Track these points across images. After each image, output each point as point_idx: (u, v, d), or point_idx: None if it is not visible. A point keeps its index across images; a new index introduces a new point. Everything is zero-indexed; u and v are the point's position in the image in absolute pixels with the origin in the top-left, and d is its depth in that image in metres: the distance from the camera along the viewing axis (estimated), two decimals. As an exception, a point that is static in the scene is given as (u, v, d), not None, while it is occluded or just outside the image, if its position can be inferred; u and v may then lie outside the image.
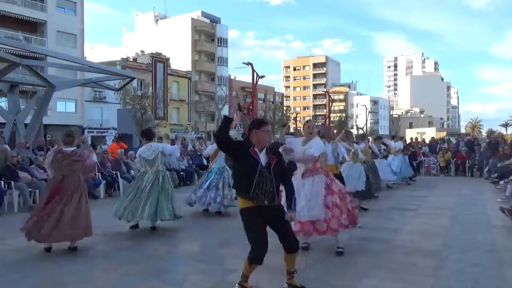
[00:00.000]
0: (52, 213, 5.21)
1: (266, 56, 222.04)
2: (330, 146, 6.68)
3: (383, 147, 11.56)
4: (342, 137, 8.05)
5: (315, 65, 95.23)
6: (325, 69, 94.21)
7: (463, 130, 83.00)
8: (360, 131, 50.14)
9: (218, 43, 56.52)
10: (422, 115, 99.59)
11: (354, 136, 9.10)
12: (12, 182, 8.72)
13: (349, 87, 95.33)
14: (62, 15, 37.10)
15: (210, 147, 9.20)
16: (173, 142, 15.52)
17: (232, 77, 60.38)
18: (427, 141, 20.14)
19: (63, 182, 5.36)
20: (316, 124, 7.72)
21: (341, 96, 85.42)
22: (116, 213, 6.54)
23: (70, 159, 5.39)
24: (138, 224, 6.75)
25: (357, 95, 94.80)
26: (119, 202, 6.64)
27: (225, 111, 54.10)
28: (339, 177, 6.51)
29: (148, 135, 6.96)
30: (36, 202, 8.97)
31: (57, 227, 5.17)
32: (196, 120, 52.15)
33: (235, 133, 16.89)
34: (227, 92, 54.28)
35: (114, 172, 11.33)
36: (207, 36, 56.45)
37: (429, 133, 37.95)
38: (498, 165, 13.10)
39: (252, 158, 3.77)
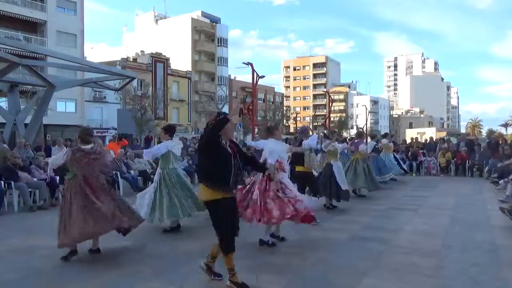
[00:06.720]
0: (80, 213, 4.98)
1: (268, 56, 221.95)
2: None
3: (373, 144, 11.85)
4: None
5: (315, 65, 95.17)
6: (325, 69, 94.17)
7: (463, 130, 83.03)
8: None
9: (218, 43, 56.50)
10: (422, 115, 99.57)
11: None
12: (12, 182, 8.72)
13: (349, 87, 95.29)
14: (62, 15, 37.08)
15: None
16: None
17: (232, 77, 60.35)
18: (426, 141, 20.08)
19: (85, 182, 5.14)
20: (317, 124, 7.68)
21: (341, 96, 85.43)
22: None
23: (90, 157, 5.17)
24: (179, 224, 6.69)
25: (357, 95, 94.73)
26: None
27: (225, 111, 54.06)
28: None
29: (173, 132, 6.67)
30: (36, 202, 8.98)
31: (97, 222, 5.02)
32: (196, 120, 52.12)
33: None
34: (227, 92, 54.26)
35: (114, 172, 11.31)
36: (207, 36, 56.44)
37: (429, 133, 37.92)
38: (498, 165, 13.10)
39: (224, 150, 3.84)
